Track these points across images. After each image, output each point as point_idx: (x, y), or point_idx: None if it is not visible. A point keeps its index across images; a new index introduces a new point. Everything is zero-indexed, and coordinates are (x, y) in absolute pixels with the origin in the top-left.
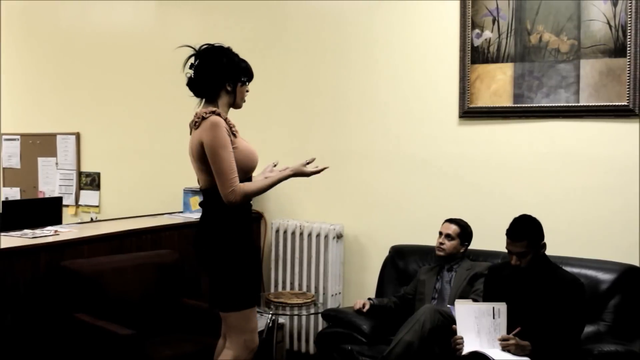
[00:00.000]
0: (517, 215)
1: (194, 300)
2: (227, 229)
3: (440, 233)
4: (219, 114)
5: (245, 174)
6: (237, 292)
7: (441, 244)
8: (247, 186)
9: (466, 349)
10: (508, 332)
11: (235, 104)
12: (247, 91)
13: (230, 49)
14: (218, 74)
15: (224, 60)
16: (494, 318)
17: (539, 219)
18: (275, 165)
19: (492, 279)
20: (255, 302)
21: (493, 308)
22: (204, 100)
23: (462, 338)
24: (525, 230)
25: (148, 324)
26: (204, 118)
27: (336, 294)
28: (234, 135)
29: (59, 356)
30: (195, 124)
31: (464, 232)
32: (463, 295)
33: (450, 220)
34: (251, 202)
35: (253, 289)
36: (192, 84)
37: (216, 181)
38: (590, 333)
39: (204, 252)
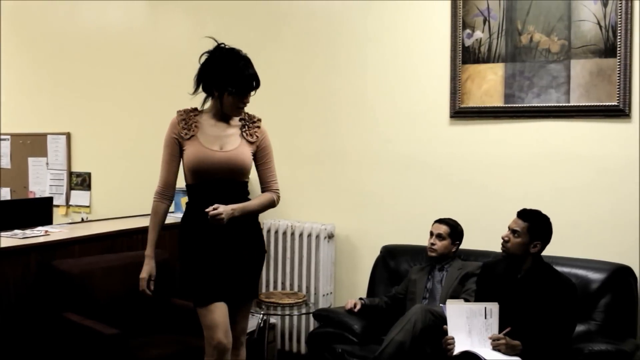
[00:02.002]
0: (508, 215)
1: (183, 300)
2: (180, 228)
3: (431, 233)
4: (190, 112)
5: (195, 174)
6: (190, 290)
7: (432, 244)
8: (156, 204)
9: (457, 349)
10: (500, 332)
11: (223, 112)
12: (244, 102)
13: (240, 54)
14: (205, 77)
15: (214, 65)
16: (485, 318)
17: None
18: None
19: (485, 276)
20: (206, 301)
21: (485, 308)
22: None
23: (453, 338)
24: (533, 216)
25: (137, 323)
26: None
27: (327, 294)
28: (183, 137)
29: (48, 355)
30: None
31: (455, 231)
32: (454, 295)
33: (440, 221)
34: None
35: (205, 288)
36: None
37: None
38: (581, 332)
39: None
